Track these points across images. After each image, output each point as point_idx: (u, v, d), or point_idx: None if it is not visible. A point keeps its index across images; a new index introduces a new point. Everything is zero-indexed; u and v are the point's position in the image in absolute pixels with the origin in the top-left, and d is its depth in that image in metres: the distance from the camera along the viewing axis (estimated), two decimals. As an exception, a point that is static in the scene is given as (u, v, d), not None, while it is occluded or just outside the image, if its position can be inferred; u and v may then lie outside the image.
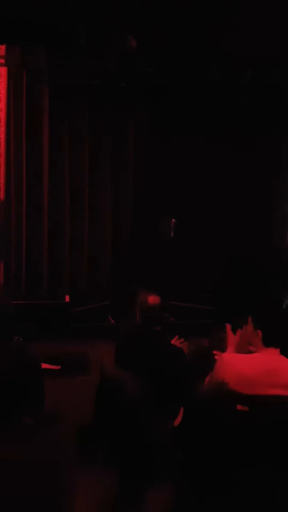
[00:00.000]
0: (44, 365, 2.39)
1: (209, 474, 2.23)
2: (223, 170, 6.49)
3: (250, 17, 4.90)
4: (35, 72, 5.84)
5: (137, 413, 2.50)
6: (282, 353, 2.33)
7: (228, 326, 2.61)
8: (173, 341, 2.96)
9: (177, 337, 2.97)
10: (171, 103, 6.31)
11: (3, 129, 5.84)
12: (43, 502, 1.49)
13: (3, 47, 5.67)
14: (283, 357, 2.33)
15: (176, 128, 6.38)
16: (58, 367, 2.85)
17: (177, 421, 2.64)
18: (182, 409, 2.64)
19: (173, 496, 2.36)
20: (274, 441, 2.22)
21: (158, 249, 6.20)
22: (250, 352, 2.39)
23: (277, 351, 2.32)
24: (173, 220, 6.19)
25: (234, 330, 2.62)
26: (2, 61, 5.73)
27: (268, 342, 2.33)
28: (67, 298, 5.86)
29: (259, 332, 2.34)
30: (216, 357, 2.55)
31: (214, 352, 2.79)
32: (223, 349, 2.66)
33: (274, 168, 6.82)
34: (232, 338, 2.59)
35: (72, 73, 5.90)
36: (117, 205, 6.50)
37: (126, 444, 2.49)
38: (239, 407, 2.27)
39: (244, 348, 2.47)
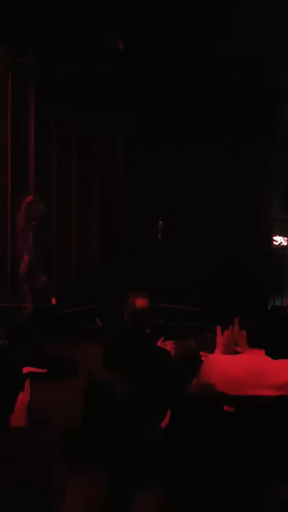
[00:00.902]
0: (29, 369, 2.38)
1: (199, 474, 2.23)
2: (212, 172, 6.54)
3: (239, 21, 4.96)
4: (21, 72, 5.81)
5: (126, 415, 2.51)
6: (267, 353, 2.36)
7: (218, 328, 2.63)
8: (159, 343, 2.96)
9: (162, 339, 2.98)
10: (160, 104, 6.33)
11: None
12: (32, 506, 1.49)
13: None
14: (268, 358, 2.35)
15: (165, 129, 6.42)
16: (44, 370, 2.83)
17: (164, 423, 2.65)
18: (169, 411, 2.66)
19: (163, 497, 2.35)
20: (261, 441, 2.23)
21: (147, 251, 6.22)
22: (237, 353, 2.41)
23: (262, 352, 2.35)
24: (160, 222, 6.22)
25: (221, 331, 2.64)
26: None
27: (253, 343, 2.36)
28: (54, 301, 5.84)
29: (244, 332, 2.37)
30: (202, 358, 2.56)
31: (201, 353, 2.80)
32: (210, 350, 2.68)
33: (260, 171, 6.91)
34: (220, 339, 2.61)
35: (60, 73, 5.89)
36: (106, 206, 6.50)
37: (115, 446, 2.49)
38: (225, 407, 2.29)
39: (230, 349, 2.49)
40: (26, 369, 2.38)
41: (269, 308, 5.65)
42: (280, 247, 7.34)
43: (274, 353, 2.34)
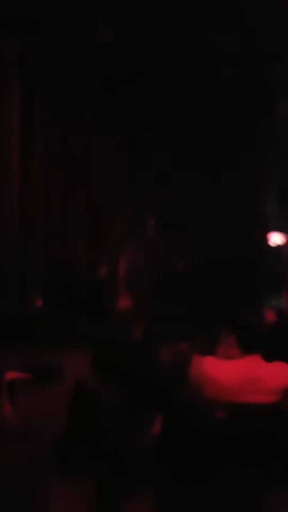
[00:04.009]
0: (13, 374, 2.31)
1: (190, 482, 2.21)
2: (205, 169, 6.56)
3: (236, 15, 4.96)
4: (4, 63, 5.69)
5: (114, 422, 2.45)
6: (263, 357, 2.32)
7: (224, 331, 2.57)
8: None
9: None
10: (151, 96, 6.26)
11: None
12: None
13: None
14: (263, 362, 2.33)
15: (157, 125, 6.38)
16: (28, 376, 2.75)
17: (155, 430, 2.60)
18: (160, 418, 2.60)
19: (153, 506, 2.31)
20: (254, 448, 2.20)
21: (137, 252, 6.18)
22: (231, 357, 2.37)
23: (258, 356, 2.31)
24: (152, 220, 6.21)
25: (213, 335, 2.60)
26: None
27: (247, 348, 2.30)
28: (40, 303, 5.75)
29: (234, 337, 2.33)
30: (194, 362, 2.51)
31: (194, 356, 2.76)
32: (203, 353, 2.64)
33: (256, 169, 6.92)
34: (221, 343, 2.57)
35: (45, 64, 5.79)
36: (93, 203, 6.42)
37: (103, 454, 2.43)
38: (218, 414, 2.24)
39: (225, 353, 2.45)
40: (9, 375, 2.31)
41: (263, 310, 5.66)
42: (276, 246, 7.26)
43: (270, 357, 2.30)
